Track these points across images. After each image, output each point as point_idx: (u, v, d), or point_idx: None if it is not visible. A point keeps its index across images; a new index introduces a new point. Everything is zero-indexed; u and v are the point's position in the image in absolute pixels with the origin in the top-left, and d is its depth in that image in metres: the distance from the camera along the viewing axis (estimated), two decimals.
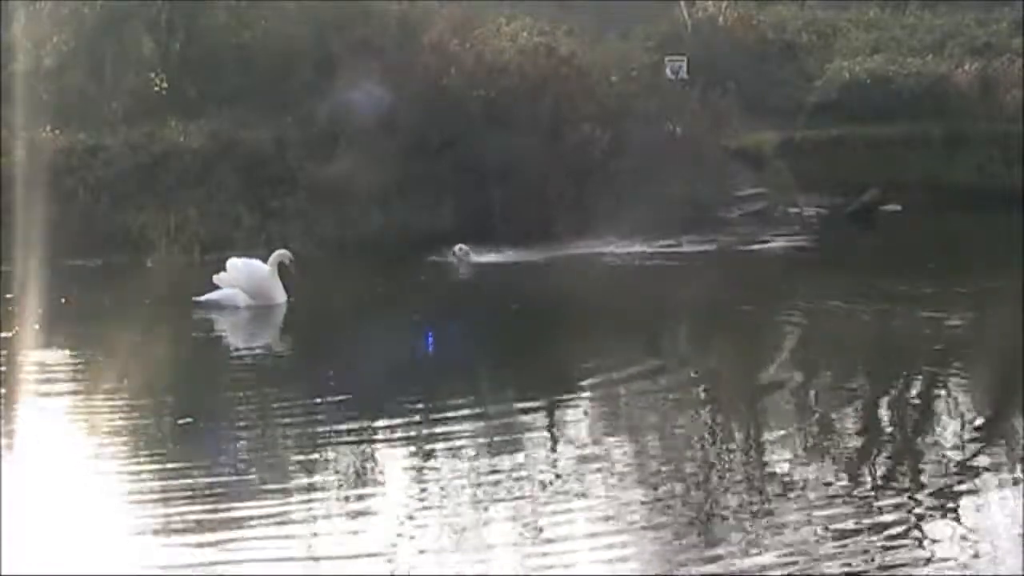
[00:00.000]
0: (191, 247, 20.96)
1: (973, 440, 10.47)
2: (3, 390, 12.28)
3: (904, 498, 8.96)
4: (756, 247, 22.12)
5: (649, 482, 9.36)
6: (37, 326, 15.30)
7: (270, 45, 24.19)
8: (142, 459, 10.32)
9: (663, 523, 8.47)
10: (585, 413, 11.76)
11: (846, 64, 28.94)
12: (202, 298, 16.70)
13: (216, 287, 16.77)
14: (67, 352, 14.49)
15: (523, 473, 9.64)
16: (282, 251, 17.14)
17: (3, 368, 13.16)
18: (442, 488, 9.39)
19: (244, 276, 16.79)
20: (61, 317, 16.12)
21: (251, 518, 8.79)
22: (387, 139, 22.18)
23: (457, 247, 20.68)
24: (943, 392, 12.26)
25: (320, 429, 11.04)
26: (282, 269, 16.83)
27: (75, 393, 12.74)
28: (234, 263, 16.96)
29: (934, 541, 8.10)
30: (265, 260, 16.93)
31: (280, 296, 16.73)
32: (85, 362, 14.06)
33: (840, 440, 10.51)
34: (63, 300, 17.02)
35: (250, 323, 16.41)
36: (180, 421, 11.32)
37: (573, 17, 26.70)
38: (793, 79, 29.37)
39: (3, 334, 14.88)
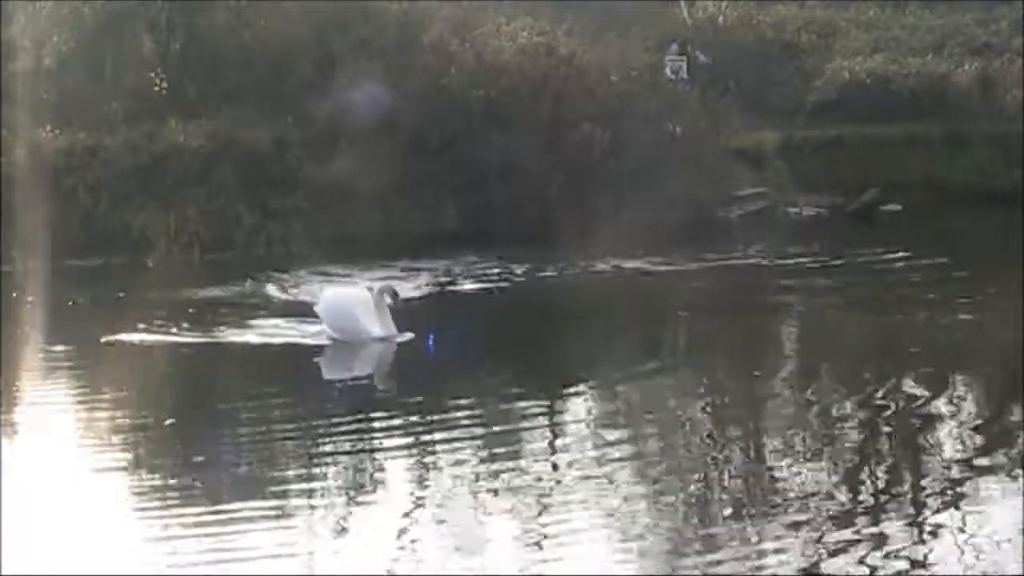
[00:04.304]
0: (191, 247, 20.98)
1: (973, 440, 10.46)
2: (5, 389, 12.33)
3: (904, 499, 8.96)
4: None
5: (650, 481, 9.38)
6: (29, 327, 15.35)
7: (270, 45, 24.16)
8: (141, 459, 10.34)
9: (663, 525, 8.47)
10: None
11: (846, 64, 28.89)
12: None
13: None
14: (68, 353, 14.49)
15: (522, 474, 9.65)
16: (387, 284, 14.49)
17: (8, 371, 13.20)
18: (442, 489, 9.39)
19: (320, 308, 14.49)
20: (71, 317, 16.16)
21: (251, 519, 8.79)
22: (387, 139, 22.17)
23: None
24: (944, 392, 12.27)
25: (319, 430, 11.05)
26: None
27: (75, 392, 12.76)
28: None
29: (934, 543, 8.10)
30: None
31: (377, 329, 13.97)
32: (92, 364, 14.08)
33: (840, 441, 10.52)
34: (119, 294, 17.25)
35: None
36: (166, 422, 11.35)
37: (573, 17, 26.66)
38: (793, 79, 29.30)
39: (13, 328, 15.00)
